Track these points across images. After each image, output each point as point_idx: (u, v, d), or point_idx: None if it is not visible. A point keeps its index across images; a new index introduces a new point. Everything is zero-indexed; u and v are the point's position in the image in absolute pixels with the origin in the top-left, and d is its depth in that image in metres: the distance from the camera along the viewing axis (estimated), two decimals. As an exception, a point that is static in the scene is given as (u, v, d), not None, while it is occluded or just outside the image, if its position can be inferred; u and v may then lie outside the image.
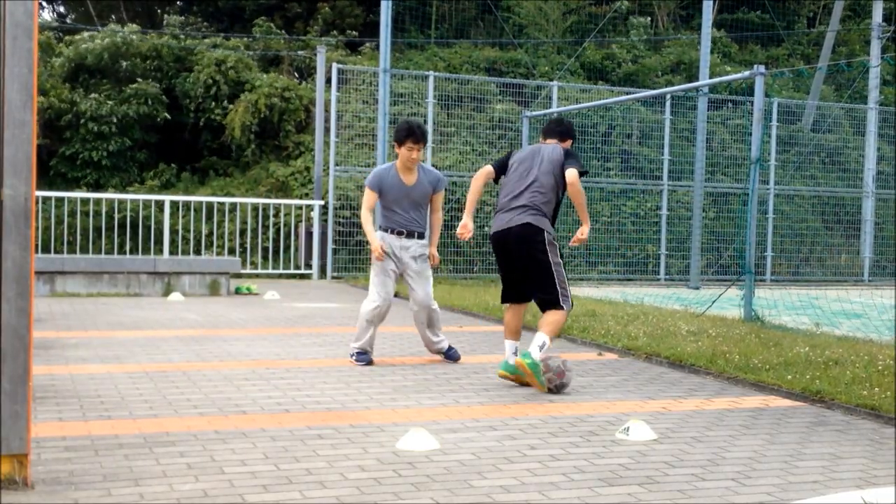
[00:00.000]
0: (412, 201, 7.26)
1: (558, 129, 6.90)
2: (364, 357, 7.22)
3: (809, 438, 5.06)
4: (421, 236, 7.31)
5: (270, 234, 15.90)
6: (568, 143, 6.85)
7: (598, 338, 8.50)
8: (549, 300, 6.38)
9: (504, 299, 6.76)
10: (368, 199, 7.26)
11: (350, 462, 4.35)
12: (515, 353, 6.50)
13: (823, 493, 4.02)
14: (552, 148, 6.63)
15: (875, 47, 19.45)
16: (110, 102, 17.72)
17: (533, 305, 6.73)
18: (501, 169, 6.71)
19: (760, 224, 17.61)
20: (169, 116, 18.47)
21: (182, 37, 19.42)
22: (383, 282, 7.21)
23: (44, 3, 24.12)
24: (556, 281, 6.36)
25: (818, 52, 22.75)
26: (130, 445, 4.54)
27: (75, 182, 17.53)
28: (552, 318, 6.33)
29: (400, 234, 7.23)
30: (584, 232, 6.55)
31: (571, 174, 6.37)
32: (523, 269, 6.46)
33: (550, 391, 6.14)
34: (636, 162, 17.82)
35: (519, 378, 6.37)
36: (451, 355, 7.45)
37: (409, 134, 7.12)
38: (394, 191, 7.21)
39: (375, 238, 7.14)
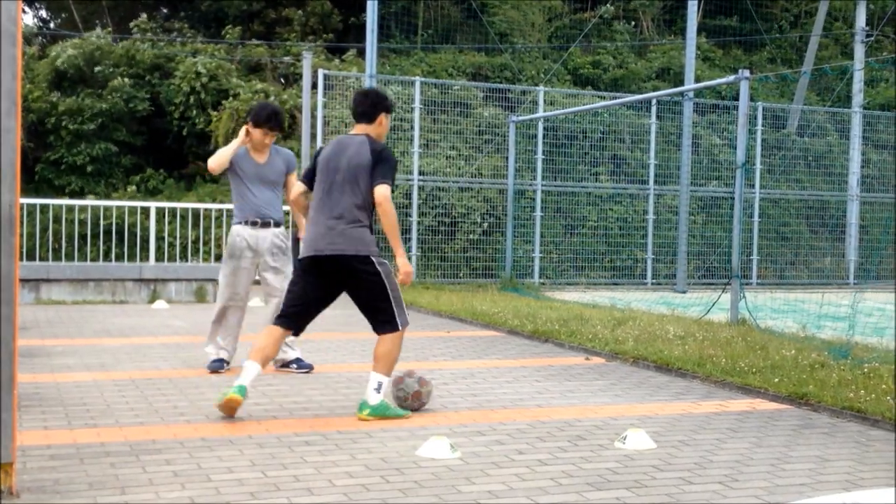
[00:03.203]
0: (265, 181, 6.84)
1: (361, 107, 5.63)
2: (216, 364, 6.87)
3: (796, 441, 5.07)
4: (277, 224, 6.91)
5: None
6: (384, 120, 5.66)
7: (585, 342, 8.50)
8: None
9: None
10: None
11: (338, 468, 4.33)
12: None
13: (810, 496, 4.03)
14: (360, 142, 5.54)
15: (858, 51, 19.57)
16: (88, 100, 17.67)
17: None
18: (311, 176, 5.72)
19: (747, 228, 17.67)
20: (153, 108, 18.40)
21: (162, 44, 19.36)
22: (232, 283, 6.80)
23: (26, 9, 24.00)
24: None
25: (800, 56, 22.89)
26: (116, 453, 4.51)
27: (61, 189, 17.46)
28: (384, 346, 5.45)
29: (255, 224, 6.80)
30: (401, 268, 5.51)
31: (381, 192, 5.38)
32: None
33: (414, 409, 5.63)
34: (624, 167, 17.86)
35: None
36: (302, 365, 6.95)
37: (268, 119, 6.75)
38: (246, 167, 6.78)
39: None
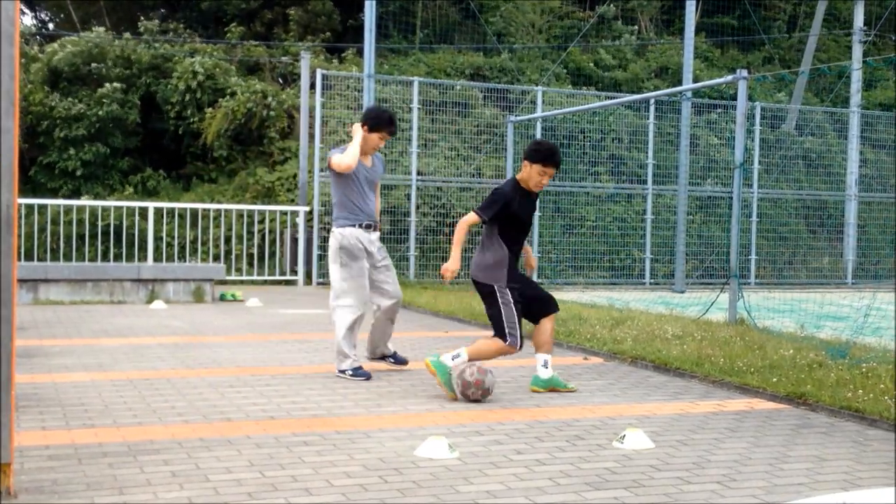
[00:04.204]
0: (371, 184, 6.97)
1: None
2: (364, 372, 6.77)
3: (794, 441, 5.07)
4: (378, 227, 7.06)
5: (256, 240, 15.85)
6: (526, 167, 6.28)
7: (583, 342, 8.50)
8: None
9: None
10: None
11: (336, 468, 4.33)
12: (545, 366, 6.41)
13: (808, 496, 4.03)
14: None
15: (857, 51, 19.58)
16: (81, 105, 17.66)
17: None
18: None
19: (745, 228, 17.68)
20: (139, 120, 18.39)
21: (158, 45, 19.35)
22: (364, 285, 6.82)
23: (25, 10, 23.99)
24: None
25: (798, 56, 22.90)
26: (114, 454, 4.51)
27: (53, 192, 17.44)
28: (485, 341, 6.34)
29: (369, 227, 6.87)
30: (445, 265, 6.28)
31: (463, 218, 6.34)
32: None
33: (473, 400, 6.04)
34: (623, 167, 17.87)
35: (554, 388, 6.37)
36: (398, 359, 7.19)
37: (390, 122, 6.91)
38: (360, 171, 6.80)
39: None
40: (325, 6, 20.97)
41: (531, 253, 6.96)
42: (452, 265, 6.23)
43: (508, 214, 6.21)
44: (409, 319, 10.87)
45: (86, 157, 17.66)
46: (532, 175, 6.23)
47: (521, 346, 6.26)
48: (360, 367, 6.81)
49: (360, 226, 6.81)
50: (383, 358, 7.18)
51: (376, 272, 6.91)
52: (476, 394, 6.02)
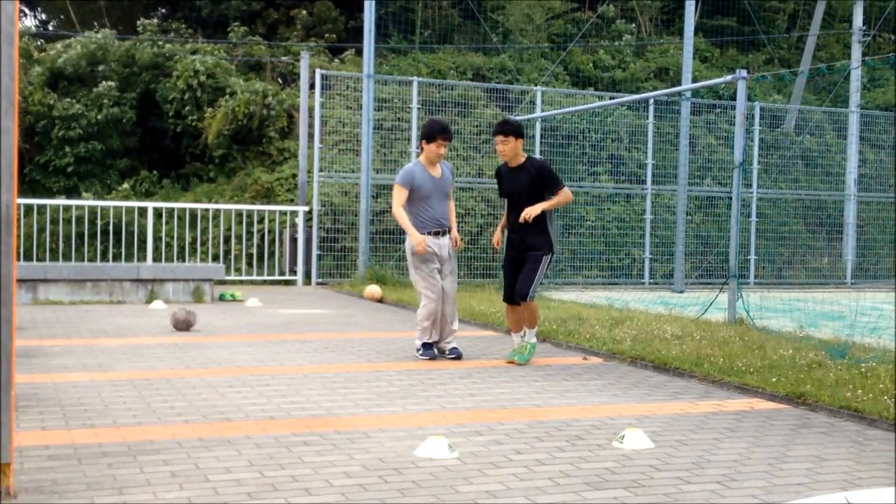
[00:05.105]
0: (441, 193, 7.63)
1: None
2: (430, 351, 7.65)
3: (794, 441, 5.08)
4: (448, 232, 7.76)
5: (255, 240, 15.85)
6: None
7: (583, 342, 8.50)
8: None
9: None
10: (400, 196, 7.52)
11: (335, 468, 4.34)
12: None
13: (808, 496, 4.03)
14: None
15: (856, 51, 19.58)
16: (78, 105, 17.66)
17: None
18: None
19: (744, 228, 17.68)
20: (135, 119, 18.37)
21: (161, 43, 19.33)
22: (435, 283, 7.58)
23: (25, 10, 23.99)
24: None
25: (798, 56, 22.90)
26: (114, 454, 4.51)
27: (49, 191, 17.44)
28: None
29: (437, 233, 7.62)
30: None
31: None
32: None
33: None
34: (622, 167, 17.87)
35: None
36: (453, 352, 7.75)
37: (443, 130, 7.57)
38: (426, 185, 7.53)
39: (416, 232, 7.47)
40: (329, 13, 20.94)
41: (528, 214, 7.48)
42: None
43: (502, 186, 7.68)
44: (409, 319, 10.86)
45: (83, 154, 17.66)
46: (499, 151, 7.57)
47: (505, 299, 7.73)
48: (430, 347, 7.66)
49: (430, 233, 7.60)
50: (442, 352, 7.80)
51: (445, 278, 7.69)
52: (181, 325, 8.90)
